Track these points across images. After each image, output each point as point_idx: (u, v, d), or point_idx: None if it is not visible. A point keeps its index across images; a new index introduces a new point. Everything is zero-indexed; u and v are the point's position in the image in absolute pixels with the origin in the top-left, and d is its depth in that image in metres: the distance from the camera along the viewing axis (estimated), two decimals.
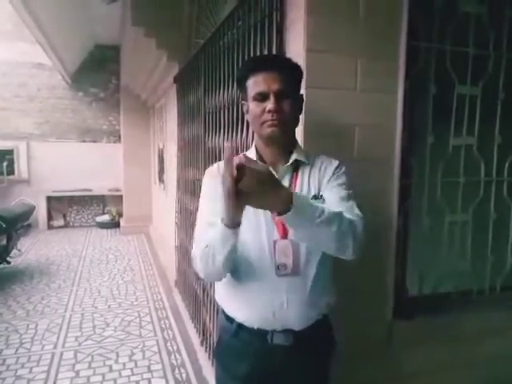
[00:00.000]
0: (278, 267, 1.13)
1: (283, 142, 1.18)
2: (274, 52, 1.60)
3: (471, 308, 1.90)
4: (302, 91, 1.29)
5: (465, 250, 1.93)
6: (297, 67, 1.19)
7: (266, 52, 1.67)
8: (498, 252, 2.02)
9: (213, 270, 1.11)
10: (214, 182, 1.18)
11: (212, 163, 1.30)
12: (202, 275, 1.17)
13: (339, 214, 1.03)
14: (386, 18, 1.59)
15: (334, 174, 1.20)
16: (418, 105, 1.73)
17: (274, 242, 1.14)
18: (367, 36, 1.56)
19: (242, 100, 1.24)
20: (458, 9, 1.78)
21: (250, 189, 0.89)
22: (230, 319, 1.23)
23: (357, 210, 1.13)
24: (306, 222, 0.98)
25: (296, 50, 1.51)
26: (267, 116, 1.11)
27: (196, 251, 1.14)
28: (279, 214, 0.95)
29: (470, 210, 1.93)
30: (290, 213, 0.93)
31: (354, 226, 1.06)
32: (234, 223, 0.98)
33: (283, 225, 1.14)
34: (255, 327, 1.17)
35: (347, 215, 1.06)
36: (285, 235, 1.14)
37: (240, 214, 0.96)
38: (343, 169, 1.22)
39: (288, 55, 1.52)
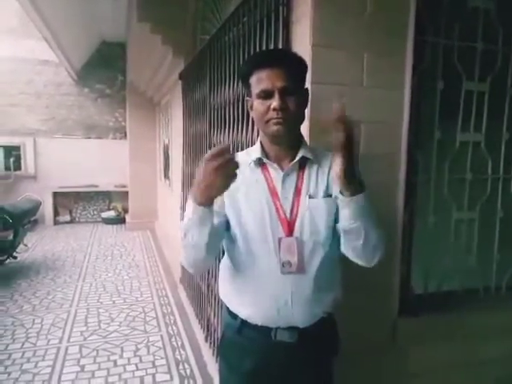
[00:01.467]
0: (282, 265, 1.13)
1: (289, 140, 1.16)
2: (281, 47, 1.59)
3: (477, 306, 1.89)
4: (308, 86, 1.27)
5: (471, 247, 1.92)
6: (301, 61, 1.17)
7: (272, 47, 1.66)
8: (505, 250, 2.00)
9: (196, 256, 1.12)
10: None
11: None
12: (185, 264, 1.17)
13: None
14: (393, 12, 1.58)
15: None
16: (424, 101, 1.71)
17: (279, 240, 1.13)
18: (374, 31, 1.54)
19: (247, 96, 1.22)
20: (467, 3, 1.76)
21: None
22: (233, 316, 1.23)
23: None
24: (368, 210, 1.06)
25: (302, 45, 1.50)
26: (272, 114, 1.09)
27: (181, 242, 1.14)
28: (353, 192, 1.02)
29: (476, 207, 1.91)
30: (364, 193, 1.03)
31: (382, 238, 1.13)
32: (211, 199, 1.01)
33: (288, 222, 1.14)
34: (259, 324, 1.17)
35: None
36: (290, 232, 1.14)
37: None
38: None
39: (294, 50, 1.51)
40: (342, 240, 1.13)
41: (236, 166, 0.94)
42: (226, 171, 0.93)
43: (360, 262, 1.15)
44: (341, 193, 1.04)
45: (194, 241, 1.07)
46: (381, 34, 1.55)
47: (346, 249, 1.14)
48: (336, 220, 1.14)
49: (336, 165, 0.99)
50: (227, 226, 1.19)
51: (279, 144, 1.17)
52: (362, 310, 1.57)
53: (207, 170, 0.94)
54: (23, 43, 6.91)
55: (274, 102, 1.08)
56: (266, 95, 1.10)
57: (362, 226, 1.05)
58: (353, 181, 1.00)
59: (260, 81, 1.11)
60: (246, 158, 1.22)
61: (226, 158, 0.92)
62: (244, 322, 1.20)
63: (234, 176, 0.95)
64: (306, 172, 1.18)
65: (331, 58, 1.50)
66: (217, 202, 1.07)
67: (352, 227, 1.06)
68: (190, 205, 1.02)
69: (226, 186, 0.96)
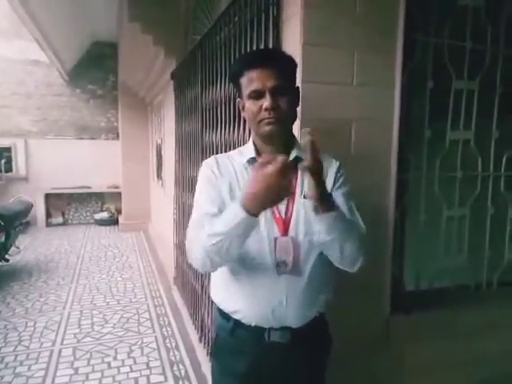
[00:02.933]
0: (278, 264, 1.12)
1: (282, 139, 1.16)
2: (271, 47, 1.59)
3: (469, 303, 1.91)
4: (299, 85, 1.28)
5: (462, 244, 1.93)
6: (291, 60, 1.17)
7: (262, 47, 1.66)
8: (496, 247, 2.02)
9: (221, 261, 1.10)
10: (210, 173, 1.18)
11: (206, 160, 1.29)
12: (200, 266, 1.12)
13: (356, 224, 1.14)
14: (383, 11, 1.58)
15: (336, 178, 1.19)
16: (415, 99, 1.73)
17: (275, 239, 1.13)
18: (364, 30, 1.55)
19: (237, 97, 1.22)
20: (456, 2, 1.77)
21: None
22: (226, 317, 1.22)
23: (362, 224, 1.17)
24: (342, 225, 1.05)
25: (293, 44, 1.50)
26: (264, 114, 1.09)
27: (196, 242, 1.09)
28: (324, 210, 1.02)
29: (467, 204, 1.93)
30: (335, 212, 1.03)
31: (364, 240, 1.13)
32: (263, 210, 1.00)
33: (283, 222, 1.14)
34: (253, 324, 1.17)
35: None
36: (285, 232, 1.14)
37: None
38: (342, 171, 1.22)
39: (285, 50, 1.51)
40: (319, 247, 1.14)
41: (293, 175, 0.96)
42: (283, 179, 0.93)
43: (341, 267, 1.16)
44: (315, 210, 1.04)
45: (230, 250, 1.03)
46: (371, 32, 1.56)
47: (330, 258, 1.15)
48: None
49: (308, 188, 1.01)
50: None
51: (272, 144, 1.17)
52: (354, 309, 1.58)
53: (261, 177, 0.94)
54: (14, 44, 6.86)
55: (266, 102, 1.08)
56: (258, 95, 1.10)
57: (337, 241, 1.06)
58: (324, 201, 1.02)
59: (251, 81, 1.11)
60: (239, 157, 1.22)
61: (283, 165, 0.92)
62: (237, 324, 1.19)
63: (290, 185, 0.97)
64: (300, 172, 1.18)
65: (321, 57, 1.50)
66: (214, 199, 1.12)
67: (326, 240, 1.06)
68: (234, 212, 0.99)
69: (280, 197, 0.97)
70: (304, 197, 1.15)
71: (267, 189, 0.93)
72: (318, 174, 0.98)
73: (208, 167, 1.22)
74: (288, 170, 0.93)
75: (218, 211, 1.11)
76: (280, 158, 0.93)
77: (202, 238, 1.06)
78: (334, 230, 1.04)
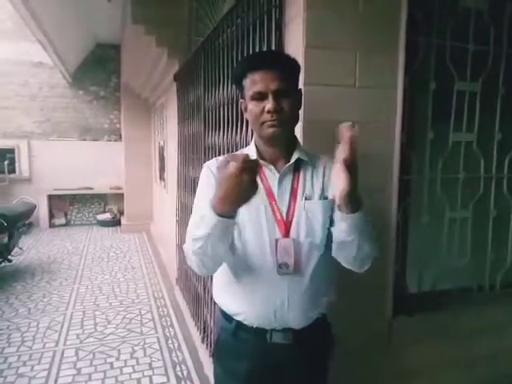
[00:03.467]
0: (279, 266, 1.13)
1: (284, 141, 1.17)
2: (274, 49, 1.60)
3: (471, 305, 1.90)
4: (302, 88, 1.28)
5: (465, 246, 1.93)
6: (294, 62, 1.17)
7: (265, 49, 1.66)
8: (498, 249, 2.02)
9: (213, 263, 1.11)
10: (211, 175, 1.18)
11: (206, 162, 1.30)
12: (197, 270, 1.14)
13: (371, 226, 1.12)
14: (385, 13, 1.59)
15: None
16: (417, 101, 1.73)
17: (276, 241, 1.13)
18: (366, 32, 1.55)
19: (240, 98, 1.22)
20: (458, 4, 1.78)
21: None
22: (228, 318, 1.23)
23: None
24: (364, 226, 1.05)
25: (295, 46, 1.51)
26: (267, 116, 1.09)
27: (188, 247, 1.10)
28: (351, 210, 1.01)
29: (469, 206, 1.92)
30: (361, 212, 1.02)
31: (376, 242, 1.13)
32: (233, 210, 0.97)
33: (285, 223, 1.14)
34: (254, 326, 1.17)
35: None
36: (286, 234, 1.14)
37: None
38: None
39: (287, 52, 1.52)
40: (335, 247, 1.13)
41: (256, 172, 0.92)
42: (246, 178, 0.90)
43: (348, 268, 1.16)
44: (339, 208, 1.03)
45: (214, 252, 1.04)
46: (373, 34, 1.57)
47: (337, 256, 1.15)
48: (331, 223, 1.15)
49: (339, 183, 0.98)
50: None
51: (274, 146, 1.17)
52: (356, 310, 1.58)
53: (224, 178, 0.92)
54: (18, 45, 6.88)
55: (268, 105, 1.08)
56: (260, 97, 1.10)
57: (356, 241, 1.05)
58: (352, 200, 1.00)
59: (254, 83, 1.11)
60: None
61: (243, 164, 0.90)
62: (239, 325, 1.19)
63: (254, 183, 0.92)
64: (302, 174, 1.18)
65: (324, 59, 1.51)
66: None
67: (347, 240, 1.06)
68: (209, 215, 0.97)
69: (247, 196, 0.94)
70: (305, 198, 1.15)
71: (231, 189, 0.92)
72: (353, 169, 0.95)
73: (208, 170, 1.22)
74: (250, 168, 0.90)
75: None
76: (239, 157, 0.90)
77: (189, 242, 1.07)
78: (356, 231, 1.04)
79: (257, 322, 1.17)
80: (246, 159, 0.90)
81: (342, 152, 0.95)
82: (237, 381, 1.21)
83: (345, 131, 0.96)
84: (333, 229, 1.12)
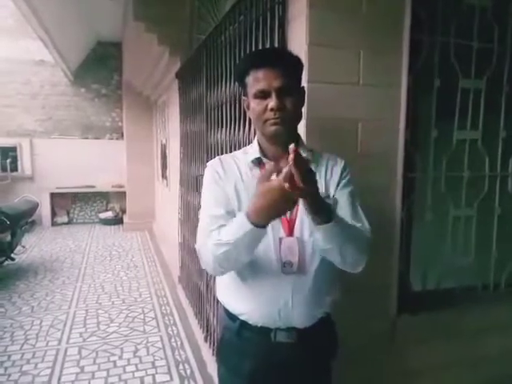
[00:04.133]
0: (283, 265, 1.12)
1: (286, 139, 1.15)
2: (277, 46, 1.59)
3: (476, 304, 1.89)
4: (305, 85, 1.27)
5: (469, 245, 1.92)
6: (297, 60, 1.17)
7: (268, 46, 1.65)
8: (503, 247, 2.01)
9: (232, 267, 1.12)
10: (216, 174, 1.18)
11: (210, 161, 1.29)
12: (211, 271, 1.14)
13: (359, 230, 1.12)
14: (389, 11, 1.57)
15: (341, 177, 1.19)
16: (421, 99, 1.71)
17: (280, 240, 1.13)
18: (370, 29, 1.54)
19: (243, 96, 1.22)
20: (462, 1, 1.76)
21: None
22: (232, 317, 1.22)
23: (367, 224, 1.17)
24: (340, 234, 1.03)
25: (298, 43, 1.50)
26: (270, 114, 1.09)
27: (205, 249, 1.09)
28: (319, 222, 1.00)
29: (474, 204, 1.91)
30: (332, 223, 1.00)
31: (367, 242, 1.13)
32: (269, 222, 0.98)
33: (289, 222, 1.14)
34: (259, 325, 1.16)
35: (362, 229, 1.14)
36: (290, 232, 1.13)
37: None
38: (348, 170, 1.22)
39: (290, 49, 1.51)
40: (320, 253, 1.14)
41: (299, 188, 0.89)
42: (290, 193, 0.90)
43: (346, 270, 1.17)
44: (311, 220, 1.03)
45: (239, 258, 1.06)
46: (377, 32, 1.55)
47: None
48: None
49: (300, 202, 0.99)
50: None
51: (277, 143, 1.16)
52: (360, 309, 1.57)
53: (267, 190, 0.92)
54: (19, 43, 6.89)
55: (271, 103, 1.08)
56: (263, 95, 1.09)
57: (336, 249, 1.05)
58: (318, 213, 0.99)
59: (257, 81, 1.10)
60: (244, 157, 1.22)
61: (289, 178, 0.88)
62: (243, 324, 1.19)
63: (296, 199, 0.93)
64: None
65: (327, 57, 1.50)
66: (220, 200, 1.12)
67: (326, 249, 1.07)
68: (241, 222, 0.98)
69: (286, 210, 0.96)
70: None
71: (273, 202, 0.92)
72: (305, 189, 0.91)
73: (212, 169, 1.21)
74: (293, 181, 0.89)
75: (224, 212, 1.11)
76: (284, 171, 0.89)
77: (210, 245, 1.06)
78: (332, 240, 1.03)
79: (261, 321, 1.16)
80: (291, 173, 0.88)
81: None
82: (241, 380, 1.21)
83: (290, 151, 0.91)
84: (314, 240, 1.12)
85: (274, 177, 0.93)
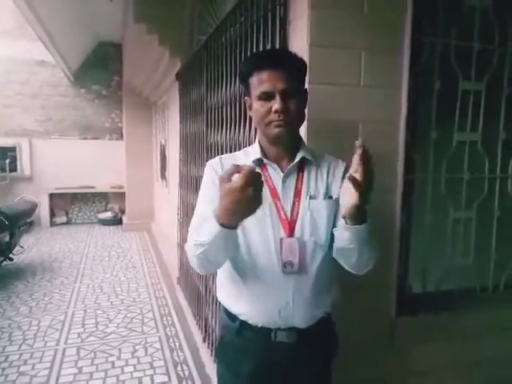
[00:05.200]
0: (284, 265, 1.12)
1: (289, 141, 1.16)
2: (279, 47, 1.59)
3: (475, 305, 1.89)
4: (306, 86, 1.27)
5: (468, 246, 1.92)
6: (302, 62, 1.17)
7: (269, 47, 1.66)
8: (502, 249, 2.01)
9: (213, 267, 1.14)
10: (214, 174, 1.18)
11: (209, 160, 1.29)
12: (198, 270, 1.15)
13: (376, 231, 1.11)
14: (390, 12, 1.58)
15: (343, 178, 1.18)
16: (421, 100, 1.72)
17: (281, 240, 1.13)
18: (371, 31, 1.54)
19: (245, 96, 1.21)
20: (463, 3, 1.76)
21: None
22: (232, 317, 1.22)
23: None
24: (367, 236, 1.05)
25: (300, 44, 1.50)
26: (273, 116, 1.09)
27: (189, 249, 1.10)
28: (355, 222, 1.02)
29: (474, 206, 1.91)
30: (365, 225, 1.02)
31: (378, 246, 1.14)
32: (238, 223, 0.97)
33: (289, 223, 1.14)
34: (259, 325, 1.16)
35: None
36: (291, 233, 1.13)
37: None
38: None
39: (291, 50, 1.51)
40: (335, 251, 1.15)
41: (261, 186, 0.89)
42: (251, 192, 0.87)
43: (349, 270, 1.18)
44: (344, 218, 1.04)
45: (217, 257, 1.06)
46: (378, 33, 1.56)
47: (337, 258, 1.17)
48: (335, 224, 1.15)
49: (349, 196, 0.98)
50: None
51: (279, 145, 1.17)
52: (359, 311, 1.57)
53: (228, 190, 0.89)
54: (19, 44, 6.89)
55: (276, 105, 1.08)
56: (267, 97, 1.09)
57: (357, 249, 1.07)
58: (360, 214, 1.01)
59: (261, 82, 1.10)
60: (245, 157, 1.22)
61: (249, 178, 0.87)
62: (243, 324, 1.19)
63: (259, 196, 0.90)
64: (306, 173, 1.18)
65: (329, 58, 1.50)
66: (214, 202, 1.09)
67: (348, 247, 1.08)
68: (211, 224, 0.96)
69: (252, 209, 0.91)
70: (310, 197, 1.15)
71: (236, 202, 0.89)
72: (367, 187, 0.95)
73: (211, 168, 1.21)
74: (255, 181, 0.87)
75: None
76: (245, 170, 0.87)
77: (191, 245, 1.07)
78: (358, 240, 1.05)
79: (261, 322, 1.16)
80: (252, 173, 0.88)
81: (355, 167, 0.96)
82: (240, 380, 1.21)
83: (358, 147, 0.96)
84: (335, 233, 1.13)
85: (235, 177, 0.89)
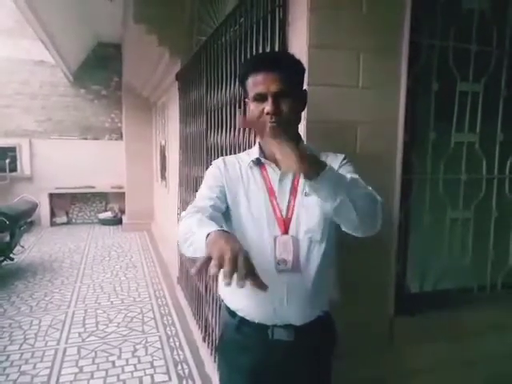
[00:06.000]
0: (277, 263, 1.14)
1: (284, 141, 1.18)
2: (277, 49, 1.60)
3: (472, 305, 1.91)
4: (305, 87, 1.29)
5: (466, 247, 1.93)
6: (298, 64, 1.18)
7: (268, 49, 1.67)
8: (500, 249, 2.02)
9: (190, 253, 1.07)
10: (217, 170, 1.24)
11: (214, 160, 1.32)
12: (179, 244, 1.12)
13: (363, 183, 1.08)
14: (388, 14, 1.59)
15: (341, 164, 1.19)
16: (419, 101, 1.73)
17: (275, 238, 1.15)
18: (370, 32, 1.55)
19: (245, 98, 1.24)
20: (461, 5, 1.78)
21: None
22: (232, 313, 1.24)
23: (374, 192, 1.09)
24: (340, 182, 0.99)
25: (299, 46, 1.51)
26: (266, 117, 1.11)
27: (182, 228, 1.08)
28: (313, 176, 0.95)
29: (471, 207, 1.93)
30: (325, 170, 0.96)
31: (380, 202, 1.06)
32: None
33: (284, 221, 1.15)
34: (256, 321, 1.19)
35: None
36: (285, 231, 1.15)
37: None
38: (348, 160, 1.22)
39: (291, 51, 1.52)
40: (336, 220, 1.07)
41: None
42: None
43: (365, 233, 1.08)
44: (309, 187, 1.00)
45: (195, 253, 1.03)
46: (377, 35, 1.57)
47: (346, 227, 1.07)
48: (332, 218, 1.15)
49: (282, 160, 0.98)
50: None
51: None
52: (358, 310, 1.58)
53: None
54: (19, 44, 6.89)
55: (267, 107, 1.10)
56: (261, 98, 1.12)
57: (347, 199, 0.97)
58: (313, 163, 0.97)
59: (255, 84, 1.12)
60: (247, 158, 1.25)
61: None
62: (242, 320, 1.21)
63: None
64: None
65: (327, 60, 1.51)
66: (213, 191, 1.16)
67: (336, 205, 0.98)
68: (199, 241, 0.95)
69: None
70: (305, 194, 1.16)
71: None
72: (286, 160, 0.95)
73: (215, 165, 1.28)
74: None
75: (215, 197, 1.17)
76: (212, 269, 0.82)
77: (179, 237, 1.07)
78: (338, 189, 0.97)
79: (258, 318, 1.18)
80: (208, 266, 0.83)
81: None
82: (241, 376, 1.23)
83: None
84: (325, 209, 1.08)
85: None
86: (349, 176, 1.05)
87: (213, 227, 0.95)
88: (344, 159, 1.22)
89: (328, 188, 0.97)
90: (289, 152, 0.95)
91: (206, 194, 1.19)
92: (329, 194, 0.97)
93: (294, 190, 1.18)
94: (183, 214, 1.14)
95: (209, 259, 0.83)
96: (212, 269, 0.81)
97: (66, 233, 6.87)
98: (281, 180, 1.18)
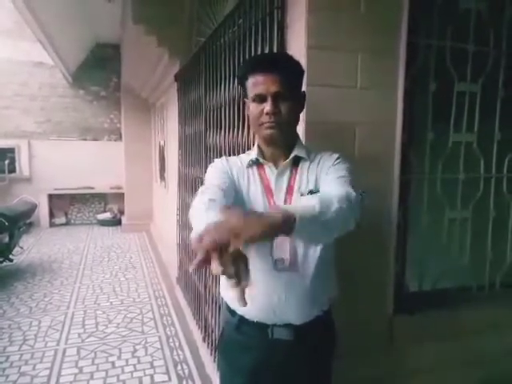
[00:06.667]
0: (275, 262, 1.15)
1: (282, 141, 1.20)
2: (275, 50, 1.61)
3: (471, 304, 1.92)
4: (304, 88, 1.29)
5: (464, 246, 1.94)
6: (297, 65, 1.20)
7: (267, 50, 1.68)
8: (498, 248, 2.03)
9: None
10: (219, 163, 1.26)
11: (213, 161, 1.33)
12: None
13: (329, 197, 0.98)
14: (386, 14, 1.60)
15: (333, 164, 1.18)
16: (417, 102, 1.74)
17: None
18: (368, 33, 1.56)
19: (244, 98, 1.25)
20: (458, 5, 1.79)
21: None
22: (232, 312, 1.25)
23: (348, 187, 1.07)
24: (313, 226, 0.92)
25: (297, 47, 1.52)
26: (265, 118, 1.13)
27: (193, 210, 1.06)
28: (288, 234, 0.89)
29: (469, 206, 1.94)
30: (295, 231, 0.88)
31: (347, 200, 0.99)
32: None
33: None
34: (255, 320, 1.19)
35: (337, 192, 1.02)
36: None
37: None
38: (341, 159, 1.20)
39: (289, 53, 1.53)
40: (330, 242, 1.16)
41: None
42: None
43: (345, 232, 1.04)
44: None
45: None
46: (375, 35, 1.58)
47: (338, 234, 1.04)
48: None
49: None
50: None
51: (272, 145, 1.21)
52: (357, 309, 1.59)
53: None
54: (18, 45, 6.89)
55: (267, 107, 1.12)
56: (260, 99, 1.13)
57: (322, 238, 1.02)
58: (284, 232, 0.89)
59: (255, 85, 1.14)
60: (247, 158, 1.26)
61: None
62: (242, 319, 1.22)
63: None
64: (299, 170, 1.21)
65: (326, 60, 1.52)
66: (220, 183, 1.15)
67: (321, 239, 1.05)
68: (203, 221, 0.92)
69: None
70: (301, 194, 1.17)
71: None
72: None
73: (218, 161, 1.29)
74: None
75: (222, 184, 1.15)
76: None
77: (193, 212, 1.04)
78: (313, 235, 0.96)
79: (257, 317, 1.19)
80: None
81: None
82: (241, 375, 1.23)
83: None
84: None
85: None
86: (313, 202, 0.94)
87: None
88: (337, 159, 1.20)
89: (306, 236, 0.96)
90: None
91: (215, 182, 1.16)
92: (309, 239, 1.03)
93: (290, 189, 1.19)
94: (195, 202, 1.08)
95: (206, 259, 0.80)
96: (214, 270, 0.80)
97: (65, 234, 6.87)
98: (277, 179, 1.20)
